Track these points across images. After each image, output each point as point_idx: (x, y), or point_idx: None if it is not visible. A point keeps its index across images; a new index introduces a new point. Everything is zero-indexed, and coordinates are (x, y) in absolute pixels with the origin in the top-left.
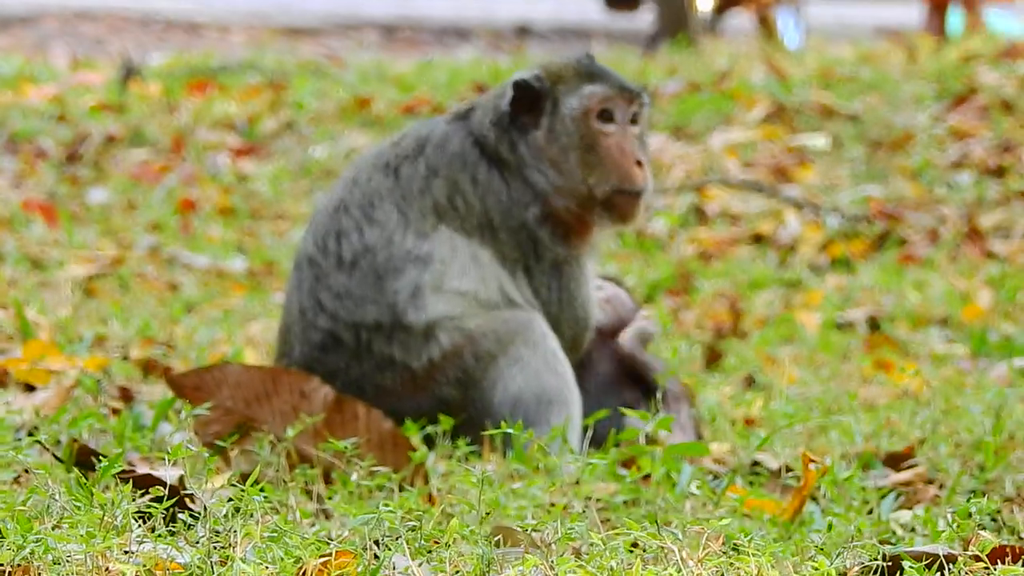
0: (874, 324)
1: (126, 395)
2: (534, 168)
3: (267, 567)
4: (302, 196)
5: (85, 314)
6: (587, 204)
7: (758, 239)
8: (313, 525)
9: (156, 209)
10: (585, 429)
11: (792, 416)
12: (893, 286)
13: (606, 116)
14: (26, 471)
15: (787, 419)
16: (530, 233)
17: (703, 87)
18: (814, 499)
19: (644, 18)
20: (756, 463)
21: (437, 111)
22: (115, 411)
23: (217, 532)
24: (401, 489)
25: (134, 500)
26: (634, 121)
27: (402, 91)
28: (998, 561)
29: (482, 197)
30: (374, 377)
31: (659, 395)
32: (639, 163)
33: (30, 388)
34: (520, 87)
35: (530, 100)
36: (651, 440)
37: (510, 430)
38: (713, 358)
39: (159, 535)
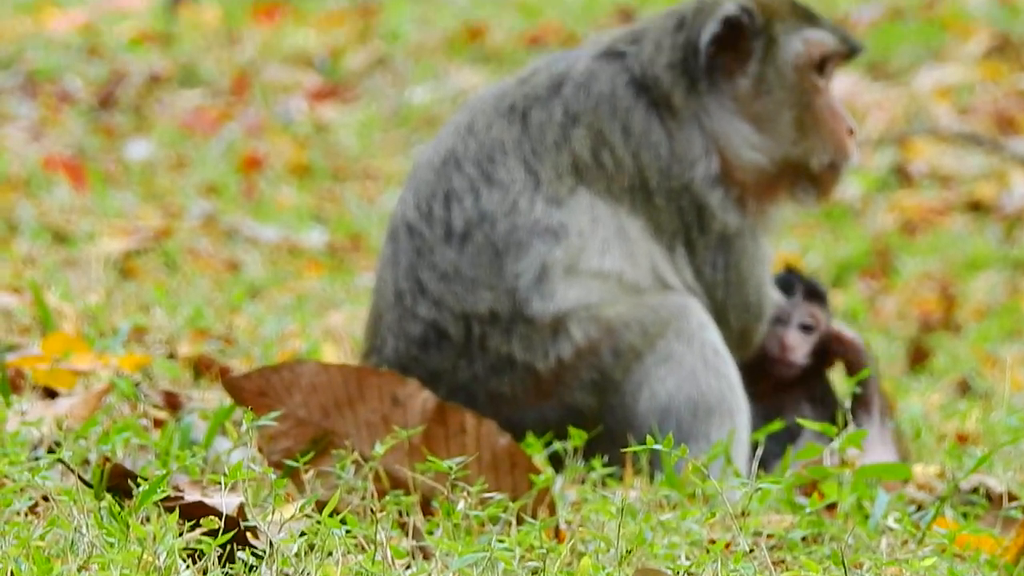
0: None
1: (172, 402)
2: (724, 121)
3: None
4: (397, 151)
5: (121, 300)
6: (792, 172)
7: (976, 207)
8: (408, 567)
9: (212, 167)
10: (755, 446)
11: (1017, 431)
12: None
13: (820, 69)
14: (45, 498)
15: (1011, 434)
16: (695, 196)
17: (907, 13)
18: None
19: None
20: (972, 490)
21: (570, 43)
22: (158, 422)
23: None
24: (520, 521)
25: (181, 534)
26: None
27: (525, 17)
28: None
29: (636, 151)
30: (488, 381)
31: (849, 402)
32: (851, 131)
33: (51, 393)
34: (730, 23)
35: (735, 39)
36: (839, 460)
37: (658, 446)
38: (919, 357)
39: None
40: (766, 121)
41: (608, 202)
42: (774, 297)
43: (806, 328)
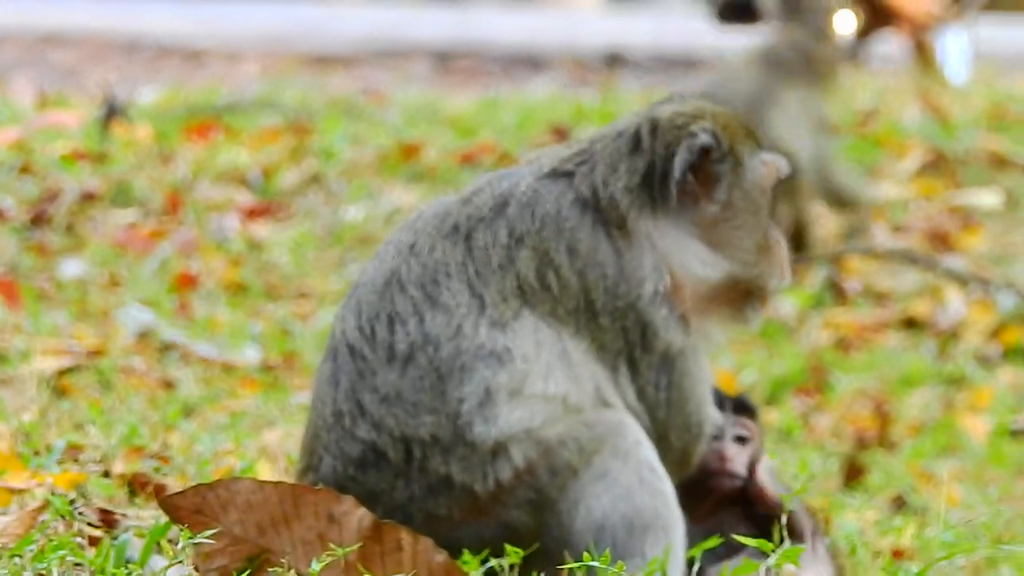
0: None
1: (107, 520)
2: (680, 242)
3: None
4: (331, 269)
5: (55, 418)
6: (739, 292)
7: (911, 323)
8: None
9: (146, 286)
10: (691, 562)
11: (953, 546)
12: None
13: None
14: None
15: (947, 550)
16: (640, 315)
17: (842, 130)
18: None
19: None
20: None
21: (504, 161)
22: (93, 540)
23: None
24: None
25: None
26: None
27: (459, 135)
28: None
29: (582, 270)
30: (425, 501)
31: (784, 521)
32: (786, 252)
33: None
34: (706, 150)
35: (702, 165)
36: None
37: (594, 563)
38: (853, 474)
39: None
40: (726, 245)
41: (552, 325)
42: (714, 416)
43: (740, 439)
